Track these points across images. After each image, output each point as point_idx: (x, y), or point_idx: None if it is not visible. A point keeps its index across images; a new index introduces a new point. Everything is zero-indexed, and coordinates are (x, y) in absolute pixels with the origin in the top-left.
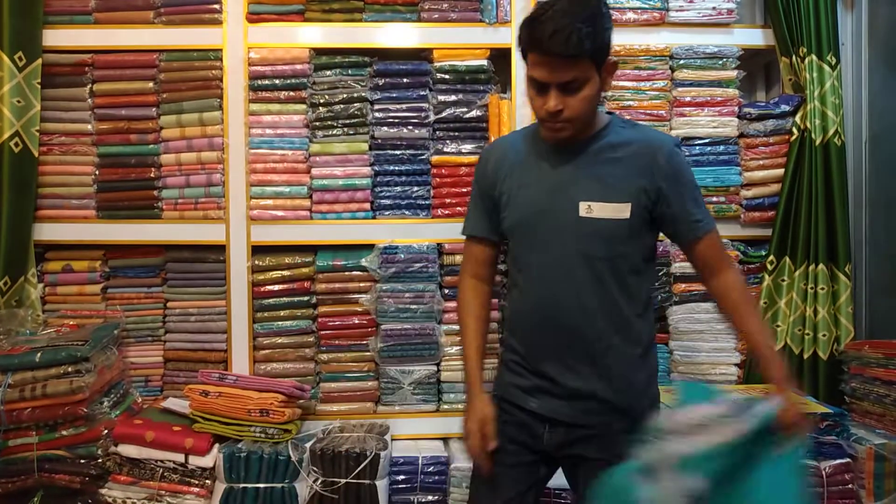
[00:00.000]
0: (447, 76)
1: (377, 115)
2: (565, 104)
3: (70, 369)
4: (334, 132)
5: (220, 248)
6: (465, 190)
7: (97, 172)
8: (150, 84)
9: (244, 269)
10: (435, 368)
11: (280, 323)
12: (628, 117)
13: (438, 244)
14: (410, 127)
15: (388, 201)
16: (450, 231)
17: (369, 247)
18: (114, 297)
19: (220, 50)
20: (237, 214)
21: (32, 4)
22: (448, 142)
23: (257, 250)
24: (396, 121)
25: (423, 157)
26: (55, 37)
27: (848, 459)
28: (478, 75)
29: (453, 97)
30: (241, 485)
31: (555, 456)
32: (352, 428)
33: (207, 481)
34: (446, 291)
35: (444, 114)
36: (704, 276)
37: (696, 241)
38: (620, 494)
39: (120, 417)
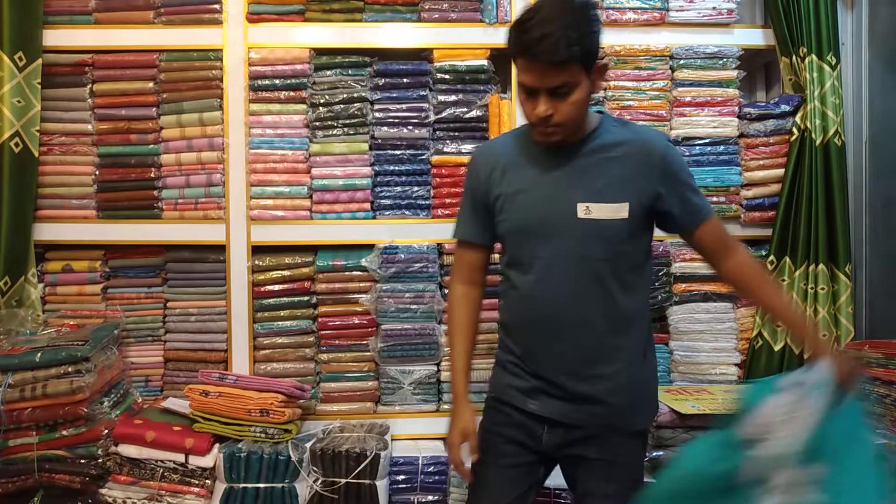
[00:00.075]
0: (447, 76)
1: (377, 115)
2: (555, 109)
3: (70, 369)
4: (334, 132)
5: (221, 248)
6: None
7: (97, 172)
8: (150, 84)
9: (244, 269)
10: (435, 368)
11: (280, 323)
12: (628, 117)
13: (438, 244)
14: (410, 127)
15: (388, 201)
16: (450, 231)
17: (369, 247)
18: (114, 297)
19: (220, 50)
20: (237, 214)
21: (32, 4)
22: (448, 142)
23: (257, 250)
24: (396, 121)
25: (423, 157)
26: (55, 37)
27: None
28: (478, 75)
29: (453, 97)
30: (242, 485)
31: (553, 456)
32: (352, 428)
33: (207, 481)
34: (446, 291)
35: (444, 114)
36: (714, 261)
37: (698, 228)
38: None
39: (120, 417)
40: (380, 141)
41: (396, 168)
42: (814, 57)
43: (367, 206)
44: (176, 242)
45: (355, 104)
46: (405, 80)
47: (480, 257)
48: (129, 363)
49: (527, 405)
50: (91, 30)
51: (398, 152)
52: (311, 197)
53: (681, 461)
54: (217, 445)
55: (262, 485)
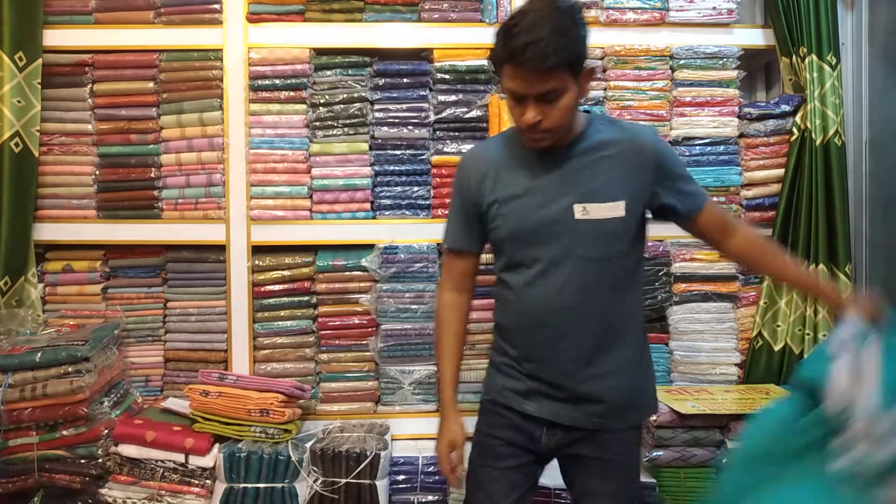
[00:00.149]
0: (447, 76)
1: (377, 115)
2: (544, 115)
3: (70, 369)
4: (334, 132)
5: (221, 248)
6: None
7: (97, 172)
8: (151, 84)
9: (244, 269)
10: (435, 368)
11: (280, 323)
12: (628, 117)
13: (438, 244)
14: (410, 127)
15: (388, 201)
16: None
17: (369, 247)
18: (114, 297)
19: (221, 50)
20: (237, 214)
21: (32, 4)
22: (448, 142)
23: (257, 250)
24: (396, 121)
25: (423, 157)
26: (55, 37)
27: None
28: (478, 75)
29: (453, 97)
30: (242, 485)
31: (552, 455)
32: (352, 428)
33: (207, 481)
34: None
35: (444, 114)
36: (718, 242)
37: (697, 214)
38: None
39: (120, 417)
40: (380, 141)
41: (396, 168)
42: (814, 57)
43: (367, 206)
44: (176, 242)
45: (355, 104)
46: (405, 80)
47: (471, 264)
48: (129, 363)
49: (524, 407)
50: (91, 30)
51: (398, 152)
52: (311, 197)
53: (759, 428)
54: (217, 445)
55: (262, 485)
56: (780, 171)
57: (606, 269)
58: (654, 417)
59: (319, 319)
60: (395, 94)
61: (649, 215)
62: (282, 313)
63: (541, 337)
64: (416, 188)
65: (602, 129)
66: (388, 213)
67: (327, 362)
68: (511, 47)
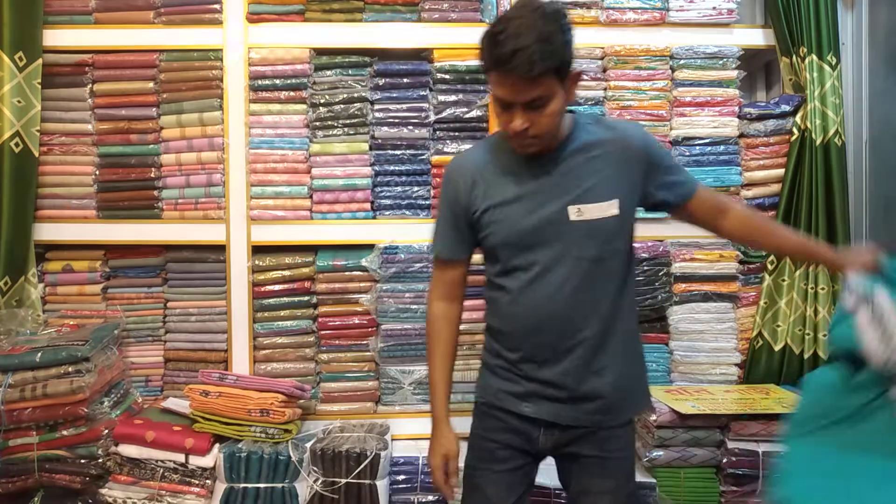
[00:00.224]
0: (447, 76)
1: (377, 115)
2: (532, 121)
3: (70, 369)
4: (334, 132)
5: (221, 248)
6: None
7: (97, 172)
8: (151, 84)
9: (244, 269)
10: None
11: (280, 323)
12: (628, 117)
13: None
14: (410, 127)
15: (388, 201)
16: None
17: (369, 247)
18: (114, 297)
19: (221, 50)
20: (237, 214)
21: (32, 4)
22: (448, 142)
23: (257, 250)
24: (396, 121)
25: (423, 157)
26: (55, 37)
27: None
28: (478, 75)
29: (453, 97)
30: (242, 485)
31: (549, 455)
32: (352, 428)
33: (208, 481)
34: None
35: (444, 114)
36: (713, 225)
37: (689, 201)
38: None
39: (120, 417)
40: (380, 141)
41: (396, 168)
42: (814, 57)
43: (368, 206)
44: (176, 242)
45: (355, 104)
46: (405, 80)
47: (461, 273)
48: (129, 363)
49: (521, 409)
50: (91, 30)
51: (398, 152)
52: (311, 197)
53: (811, 396)
54: (217, 445)
55: (262, 485)
56: (780, 171)
57: (603, 268)
58: (654, 417)
59: (319, 319)
60: (395, 94)
61: (641, 211)
62: (282, 313)
63: (541, 339)
64: (416, 188)
65: (589, 130)
66: (388, 213)
67: (327, 362)
68: (497, 55)
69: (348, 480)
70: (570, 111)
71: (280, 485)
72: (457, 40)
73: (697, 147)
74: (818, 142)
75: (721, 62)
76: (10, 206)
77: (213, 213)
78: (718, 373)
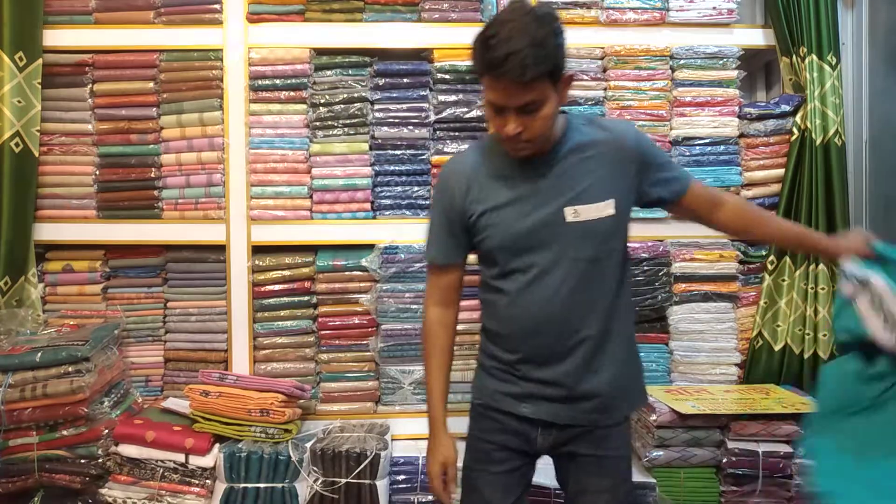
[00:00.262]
0: (447, 76)
1: (377, 115)
2: (525, 126)
3: (70, 369)
4: (334, 132)
5: (221, 248)
6: None
7: (97, 172)
8: (151, 84)
9: (244, 269)
10: None
11: (280, 323)
12: (628, 117)
13: None
14: (410, 127)
15: (388, 201)
16: None
17: (369, 247)
18: (114, 297)
19: (221, 50)
20: (237, 214)
21: (32, 4)
22: (448, 142)
23: (257, 250)
24: (397, 121)
25: (423, 157)
26: (55, 37)
27: None
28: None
29: (453, 97)
30: (242, 485)
31: (549, 455)
32: (352, 428)
33: (208, 481)
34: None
35: (444, 114)
36: (707, 218)
37: (683, 196)
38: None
39: (120, 417)
40: (380, 141)
41: (396, 168)
42: (814, 57)
43: (368, 206)
44: (176, 242)
45: (355, 104)
46: (405, 80)
47: (456, 277)
48: (129, 363)
49: (519, 409)
50: (91, 30)
51: (398, 152)
52: (311, 197)
53: (831, 386)
54: (217, 445)
55: (262, 485)
56: (780, 171)
57: (600, 269)
58: (654, 417)
59: (319, 319)
60: (395, 94)
61: (638, 209)
62: (282, 313)
63: (539, 341)
64: (416, 188)
65: (582, 131)
66: (388, 213)
67: (327, 362)
68: (490, 59)
69: (348, 480)
70: (563, 112)
71: (280, 485)
72: (457, 40)
73: (697, 147)
74: (818, 142)
75: (721, 62)
76: (10, 206)
77: (213, 213)
78: (718, 373)
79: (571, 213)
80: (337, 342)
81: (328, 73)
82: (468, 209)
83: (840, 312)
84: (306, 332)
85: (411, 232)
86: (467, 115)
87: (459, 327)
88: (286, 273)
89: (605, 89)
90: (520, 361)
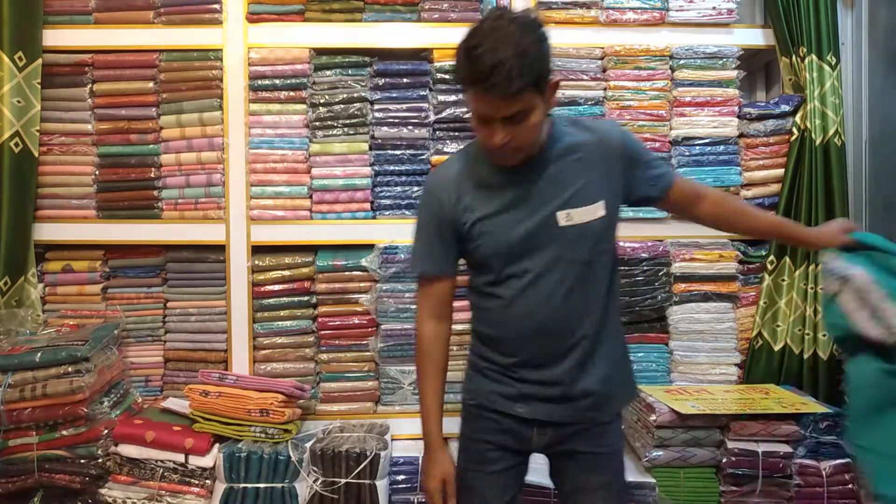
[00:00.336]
0: (447, 76)
1: (377, 115)
2: (512, 134)
3: (70, 369)
4: (334, 132)
5: (220, 248)
6: None
7: (97, 172)
8: (150, 84)
9: (244, 269)
10: None
11: (280, 323)
12: (628, 117)
13: None
14: (410, 127)
15: (388, 201)
16: None
17: (369, 247)
18: (114, 297)
19: (220, 50)
20: (237, 214)
21: (32, 4)
22: (448, 142)
23: (257, 250)
24: (396, 121)
25: (423, 157)
26: (55, 37)
27: (848, 459)
28: None
29: (453, 97)
30: (241, 485)
31: (544, 453)
32: (352, 428)
33: (207, 481)
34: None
35: (444, 114)
36: (690, 209)
37: (668, 191)
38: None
39: (120, 417)
40: (380, 141)
41: (396, 168)
42: (814, 57)
43: (367, 206)
44: (176, 242)
45: (355, 104)
46: (405, 80)
47: (449, 288)
48: (129, 363)
49: (514, 409)
50: (91, 30)
51: (398, 152)
52: (311, 197)
53: (854, 387)
54: (217, 445)
55: (262, 485)
56: (780, 171)
57: (593, 270)
58: (653, 417)
59: (319, 319)
60: (395, 94)
61: (626, 208)
62: (282, 313)
63: (536, 345)
64: (416, 188)
65: (568, 133)
66: (388, 213)
67: (327, 362)
68: (475, 72)
69: (348, 480)
70: (548, 115)
71: (280, 485)
72: (457, 40)
73: (697, 147)
74: (818, 142)
75: (721, 62)
76: (10, 206)
77: (213, 213)
78: (718, 373)
79: (564, 217)
80: (337, 342)
81: (328, 73)
82: (461, 218)
83: (827, 309)
84: (306, 332)
85: (411, 232)
86: (467, 115)
87: (456, 327)
88: (286, 273)
89: (604, 89)
90: (516, 365)
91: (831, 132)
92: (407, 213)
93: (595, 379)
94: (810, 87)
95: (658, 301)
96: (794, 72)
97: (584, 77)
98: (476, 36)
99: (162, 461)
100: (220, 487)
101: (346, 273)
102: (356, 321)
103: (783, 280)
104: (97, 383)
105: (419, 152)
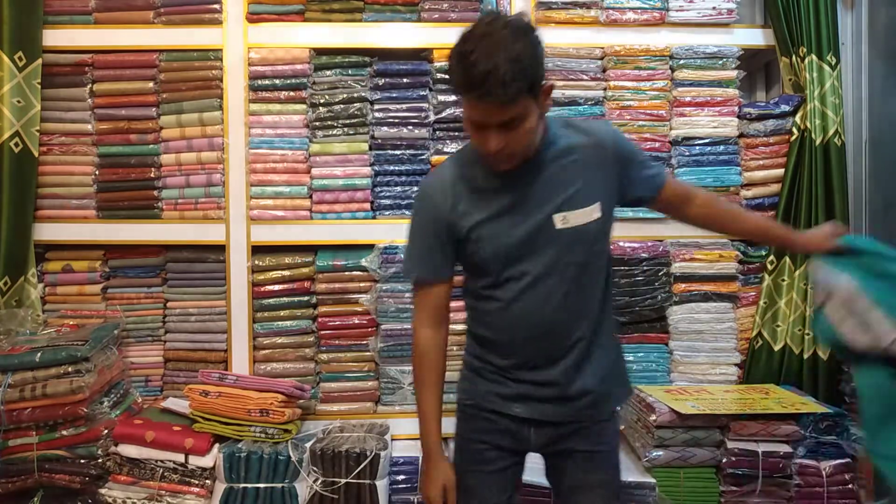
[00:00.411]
0: (447, 76)
1: (377, 115)
2: (507, 140)
3: (70, 369)
4: (334, 132)
5: (220, 248)
6: None
7: (97, 172)
8: (150, 84)
9: (244, 269)
10: None
11: (280, 323)
12: (628, 117)
13: None
14: (410, 127)
15: (388, 201)
16: None
17: (369, 247)
18: (114, 297)
19: (220, 50)
20: (237, 214)
21: (32, 4)
22: (448, 142)
23: (257, 250)
24: (396, 121)
25: (423, 157)
26: (55, 37)
27: (848, 459)
28: None
29: (453, 97)
30: (241, 485)
31: (541, 453)
32: (352, 428)
33: (207, 481)
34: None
35: (444, 114)
36: (681, 212)
37: (660, 191)
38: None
39: (120, 417)
40: (380, 141)
41: (396, 168)
42: (814, 57)
43: (367, 206)
44: (176, 242)
45: (355, 104)
46: (405, 80)
47: (446, 294)
48: (129, 363)
49: (511, 409)
50: (91, 30)
51: (398, 152)
52: (311, 197)
53: (866, 398)
54: (217, 445)
55: (262, 485)
56: (780, 171)
57: (589, 271)
58: (653, 417)
59: (319, 319)
60: (394, 94)
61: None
62: (282, 313)
63: (534, 346)
64: (415, 188)
65: (562, 135)
66: (388, 213)
67: (327, 362)
68: (468, 79)
69: (348, 480)
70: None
71: (280, 485)
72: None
73: (697, 147)
74: (818, 142)
75: (721, 62)
76: (10, 206)
77: (213, 213)
78: (718, 373)
79: (560, 220)
80: (337, 342)
81: (328, 73)
82: (458, 222)
83: (816, 320)
84: (306, 332)
85: (406, 236)
86: None
87: (454, 328)
88: (286, 273)
89: (604, 89)
90: (513, 366)
91: (831, 132)
92: (407, 213)
93: (591, 378)
94: (810, 87)
95: (658, 301)
96: (794, 72)
97: (584, 77)
98: (469, 41)
99: (162, 461)
100: (220, 487)
101: (346, 273)
102: (356, 321)
103: (783, 280)
104: (97, 383)
105: (419, 152)
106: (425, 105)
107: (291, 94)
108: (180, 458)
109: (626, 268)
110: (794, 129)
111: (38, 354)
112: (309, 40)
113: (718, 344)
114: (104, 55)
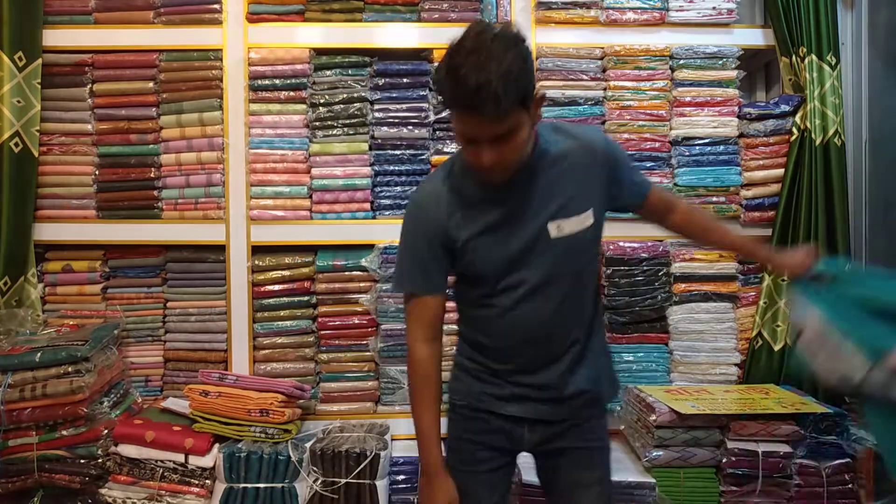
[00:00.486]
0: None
1: (377, 115)
2: (499, 153)
3: (70, 369)
4: (334, 132)
5: (220, 248)
6: None
7: (97, 172)
8: (150, 84)
9: (244, 269)
10: None
11: (280, 323)
12: (628, 117)
13: None
14: (410, 127)
15: (388, 201)
16: None
17: (369, 247)
18: (114, 297)
19: (220, 50)
20: (237, 214)
21: (32, 4)
22: (448, 142)
23: (257, 250)
24: (396, 121)
25: (423, 157)
26: (55, 37)
27: (848, 459)
28: None
29: None
30: (241, 485)
31: (533, 452)
32: (352, 428)
33: (207, 481)
34: (448, 292)
35: (444, 114)
36: (663, 220)
37: (644, 199)
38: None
39: (120, 417)
40: (380, 141)
41: (396, 168)
42: (814, 57)
43: (367, 206)
44: (176, 242)
45: (355, 104)
46: (405, 80)
47: (441, 307)
48: (129, 363)
49: (505, 409)
50: (91, 30)
51: (398, 152)
52: (311, 197)
53: (877, 427)
54: (217, 445)
55: (262, 485)
56: (780, 171)
57: (582, 277)
58: (653, 417)
59: (319, 319)
60: (394, 94)
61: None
62: (282, 313)
63: (531, 352)
64: (415, 188)
65: (552, 141)
66: (388, 213)
67: (327, 362)
68: (459, 93)
69: (348, 480)
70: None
71: (280, 485)
72: None
73: (697, 147)
74: (818, 142)
75: (721, 62)
76: (10, 206)
77: (213, 213)
78: (718, 373)
79: (555, 229)
80: (337, 342)
81: (328, 73)
82: (453, 234)
83: (792, 354)
84: (306, 332)
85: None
86: None
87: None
88: (286, 273)
89: (604, 89)
90: (510, 370)
91: (831, 132)
92: None
93: (585, 380)
94: (810, 87)
95: (658, 301)
96: (794, 72)
97: (584, 77)
98: (458, 56)
99: (162, 461)
100: (220, 487)
101: (346, 273)
102: (356, 321)
103: (783, 280)
104: (97, 383)
105: (419, 152)
106: (425, 105)
107: (291, 94)
108: (180, 458)
109: (626, 268)
110: (794, 129)
111: (38, 354)
112: (309, 40)
113: (718, 344)
114: (104, 55)
